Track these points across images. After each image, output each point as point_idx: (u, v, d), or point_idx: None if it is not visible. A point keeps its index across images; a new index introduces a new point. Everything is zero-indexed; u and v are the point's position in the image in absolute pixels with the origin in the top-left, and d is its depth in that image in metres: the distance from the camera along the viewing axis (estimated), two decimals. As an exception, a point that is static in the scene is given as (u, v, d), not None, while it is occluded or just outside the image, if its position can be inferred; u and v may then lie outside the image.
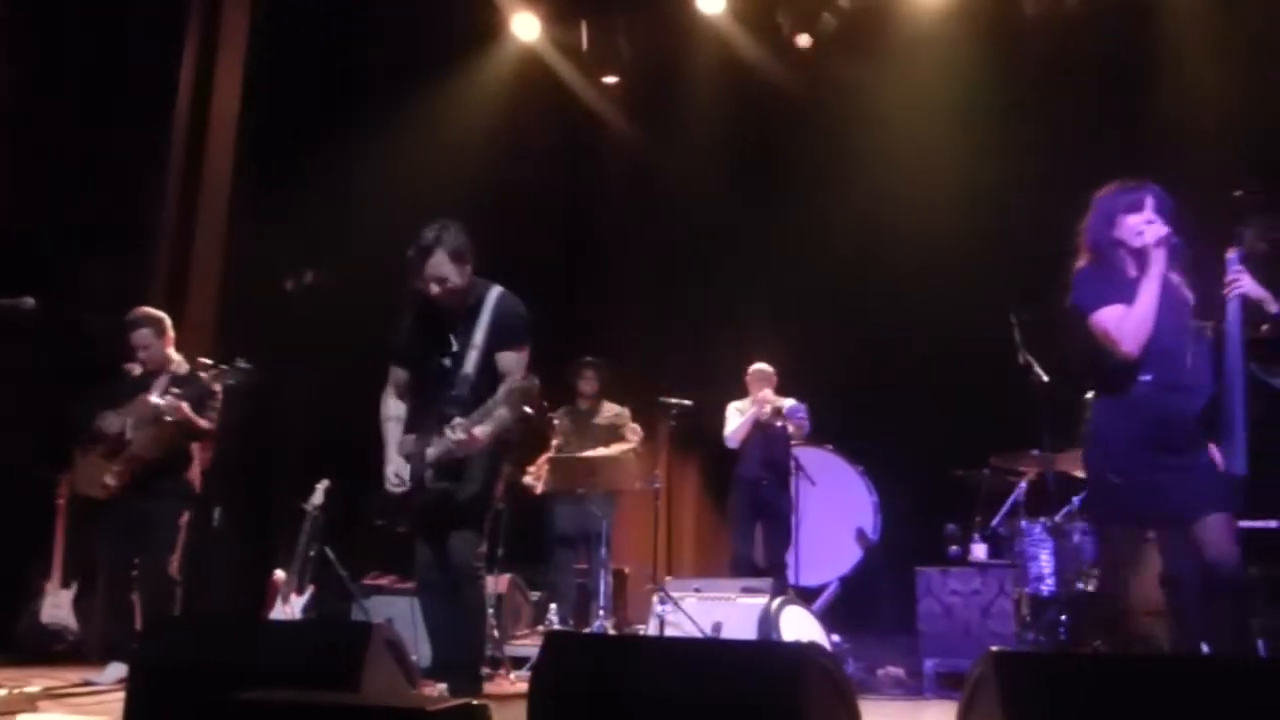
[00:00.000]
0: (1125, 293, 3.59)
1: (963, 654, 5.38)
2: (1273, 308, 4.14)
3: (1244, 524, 4.17)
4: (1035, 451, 5.90)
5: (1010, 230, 7.06)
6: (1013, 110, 7.22)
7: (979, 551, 6.08)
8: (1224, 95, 6.72)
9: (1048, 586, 5.92)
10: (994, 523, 6.28)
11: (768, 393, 6.59)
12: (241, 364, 5.10)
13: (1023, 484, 6.21)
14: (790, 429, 6.58)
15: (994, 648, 2.60)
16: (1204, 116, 6.76)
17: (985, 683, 2.58)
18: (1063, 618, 5.61)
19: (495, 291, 4.18)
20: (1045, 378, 5.70)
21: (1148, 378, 3.62)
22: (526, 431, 4.32)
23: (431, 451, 4.02)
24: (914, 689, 5.44)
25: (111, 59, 6.53)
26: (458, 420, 3.91)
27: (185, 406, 5.05)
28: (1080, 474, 6.09)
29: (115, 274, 6.29)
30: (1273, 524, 4.10)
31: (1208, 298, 4.33)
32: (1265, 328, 4.11)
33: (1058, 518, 5.99)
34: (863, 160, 7.58)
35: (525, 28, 7.70)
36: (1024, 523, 6.08)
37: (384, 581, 6.29)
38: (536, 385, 3.97)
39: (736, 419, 6.69)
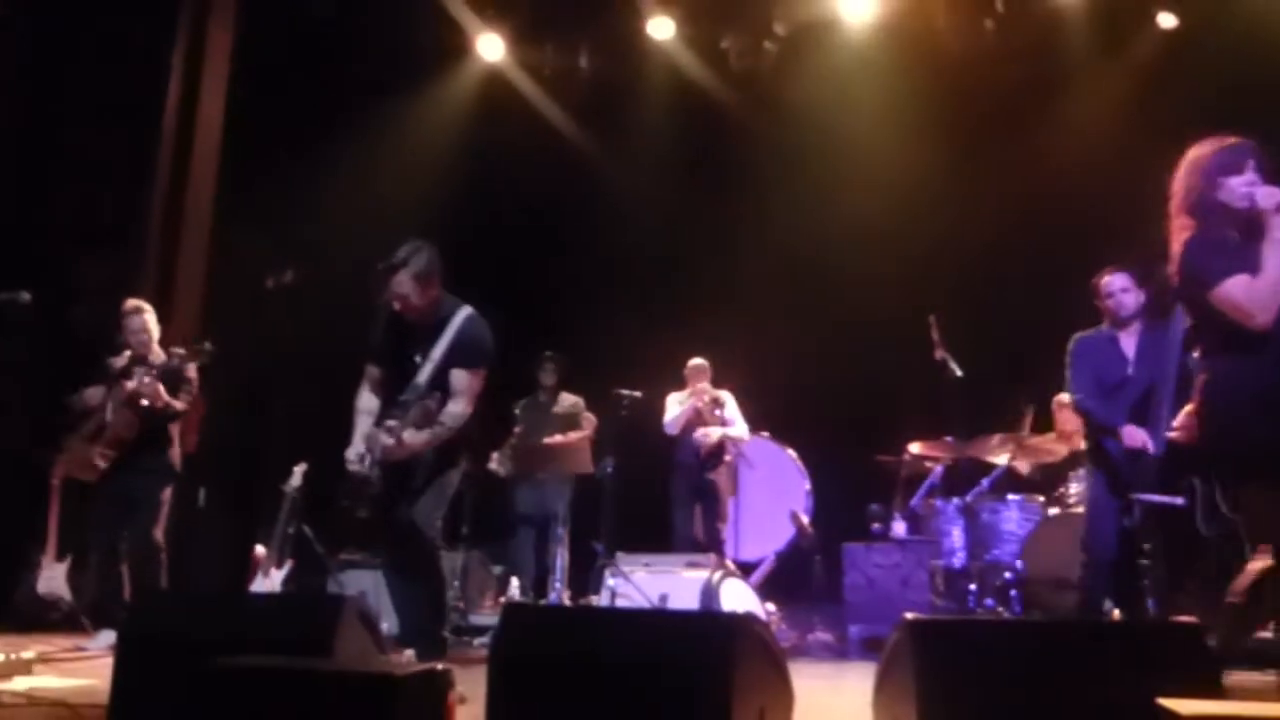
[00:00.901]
0: (1239, 260, 3.09)
1: (884, 621, 5.46)
2: None
3: (1157, 499, 4.25)
4: (950, 439, 6.00)
5: (930, 238, 7.17)
6: (933, 129, 7.31)
7: (899, 529, 6.18)
8: (1118, 116, 6.87)
9: (959, 560, 6.03)
10: (913, 503, 6.39)
11: (705, 385, 6.61)
12: (206, 345, 5.08)
13: (939, 468, 6.32)
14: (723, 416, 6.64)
15: (909, 615, 2.65)
16: (1099, 139, 6.91)
17: (901, 646, 2.63)
18: (971, 587, 5.71)
19: (464, 313, 4.13)
20: (959, 373, 5.79)
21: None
22: (470, 441, 4.28)
23: (376, 449, 4.00)
24: (840, 652, 5.52)
25: (105, 68, 6.40)
26: (390, 424, 3.90)
27: (161, 389, 5.03)
28: (989, 459, 6.22)
29: (106, 272, 6.18)
30: (1180, 500, 4.19)
31: (1160, 295, 4.42)
32: None
33: (969, 498, 6.10)
34: (800, 171, 7.65)
35: (490, 48, 7.65)
36: (939, 502, 6.19)
37: (356, 557, 6.25)
38: (432, 408, 3.91)
39: (675, 409, 6.71)
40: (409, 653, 3.86)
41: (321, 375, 5.89)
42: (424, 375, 4.03)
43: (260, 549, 5.80)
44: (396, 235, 4.21)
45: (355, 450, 4.07)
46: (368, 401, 4.24)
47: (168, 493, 5.31)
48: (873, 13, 7.12)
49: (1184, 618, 2.57)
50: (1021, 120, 7.28)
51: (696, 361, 6.76)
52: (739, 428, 6.65)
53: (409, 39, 7.20)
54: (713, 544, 6.32)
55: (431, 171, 7.43)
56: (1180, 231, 3.23)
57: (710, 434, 6.46)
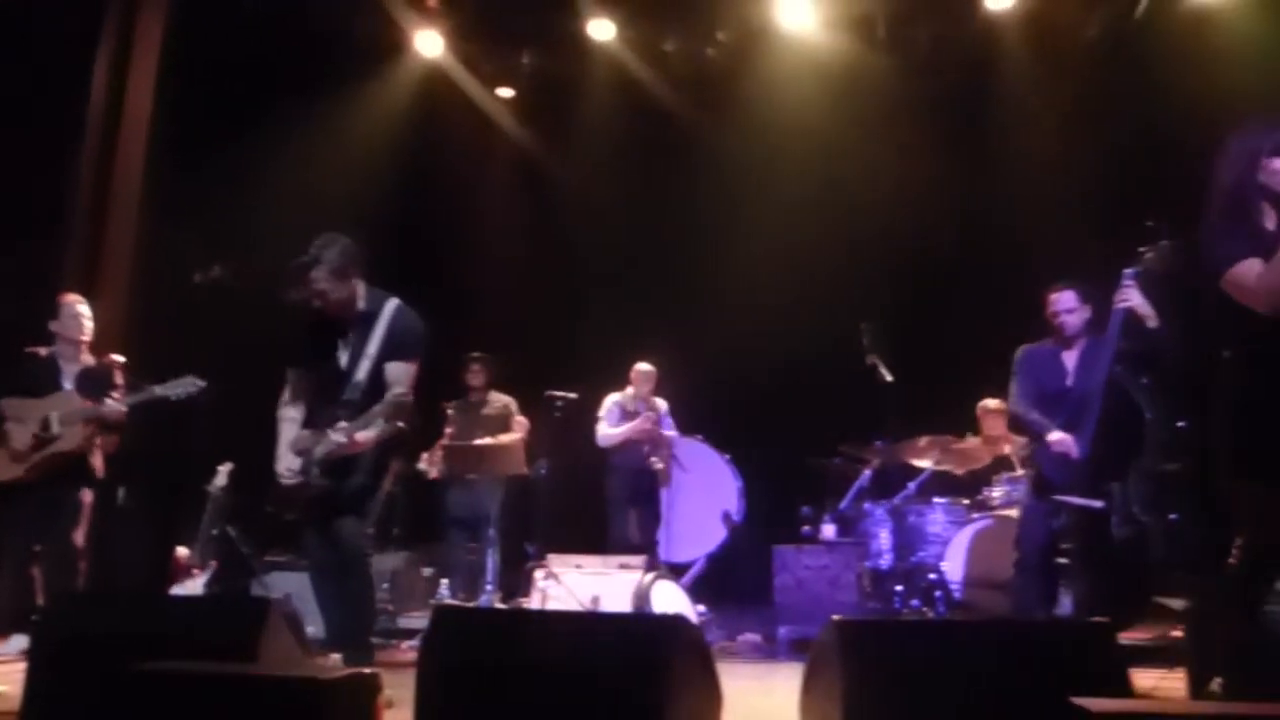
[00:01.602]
0: (1264, 246, 2.94)
1: (813, 621, 5.54)
2: (1152, 324, 4.38)
3: (1077, 501, 4.39)
4: (879, 443, 6.11)
5: (863, 245, 7.29)
6: (870, 137, 7.43)
7: (829, 531, 6.27)
8: (1053, 128, 7.07)
9: (886, 561, 6.14)
10: (842, 505, 6.49)
11: (649, 416, 6.58)
12: (191, 379, 4.94)
13: (868, 471, 6.43)
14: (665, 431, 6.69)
15: (836, 616, 2.70)
16: (1035, 149, 7.11)
17: (828, 646, 2.69)
18: (898, 588, 5.82)
19: (392, 304, 4.09)
20: (889, 378, 5.90)
21: None
22: (413, 428, 4.24)
23: (319, 450, 3.95)
24: (769, 653, 5.58)
25: (30, 57, 6.20)
26: (341, 424, 3.86)
27: (123, 409, 4.93)
28: (916, 462, 6.36)
29: (26, 266, 5.98)
30: (1100, 504, 4.34)
31: (1102, 308, 4.54)
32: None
33: (897, 500, 6.22)
34: (739, 176, 7.72)
35: (428, 44, 7.58)
36: (868, 505, 6.30)
37: (283, 558, 6.14)
38: (410, 402, 3.91)
39: (616, 416, 6.70)
40: (336, 656, 3.81)
41: (250, 373, 5.77)
42: (362, 372, 3.99)
43: (183, 550, 5.67)
44: (329, 231, 4.15)
45: (286, 463, 4.01)
46: (290, 408, 4.17)
47: (89, 495, 5.16)
48: (813, 22, 7.21)
49: (1097, 618, 2.66)
50: (958, 128, 7.45)
51: (644, 367, 6.76)
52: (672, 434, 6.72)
53: (346, 33, 7.10)
54: (648, 546, 6.34)
55: (367, 168, 7.34)
56: (1213, 216, 3.11)
57: (659, 463, 6.51)
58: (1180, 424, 4.52)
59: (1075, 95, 7.17)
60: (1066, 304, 4.81)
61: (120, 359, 5.02)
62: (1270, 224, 3.00)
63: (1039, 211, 7.05)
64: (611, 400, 6.79)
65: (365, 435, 3.88)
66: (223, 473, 5.81)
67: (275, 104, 7.01)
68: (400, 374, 3.99)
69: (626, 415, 6.68)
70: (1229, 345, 3.13)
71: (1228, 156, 3.09)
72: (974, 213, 7.30)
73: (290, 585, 5.72)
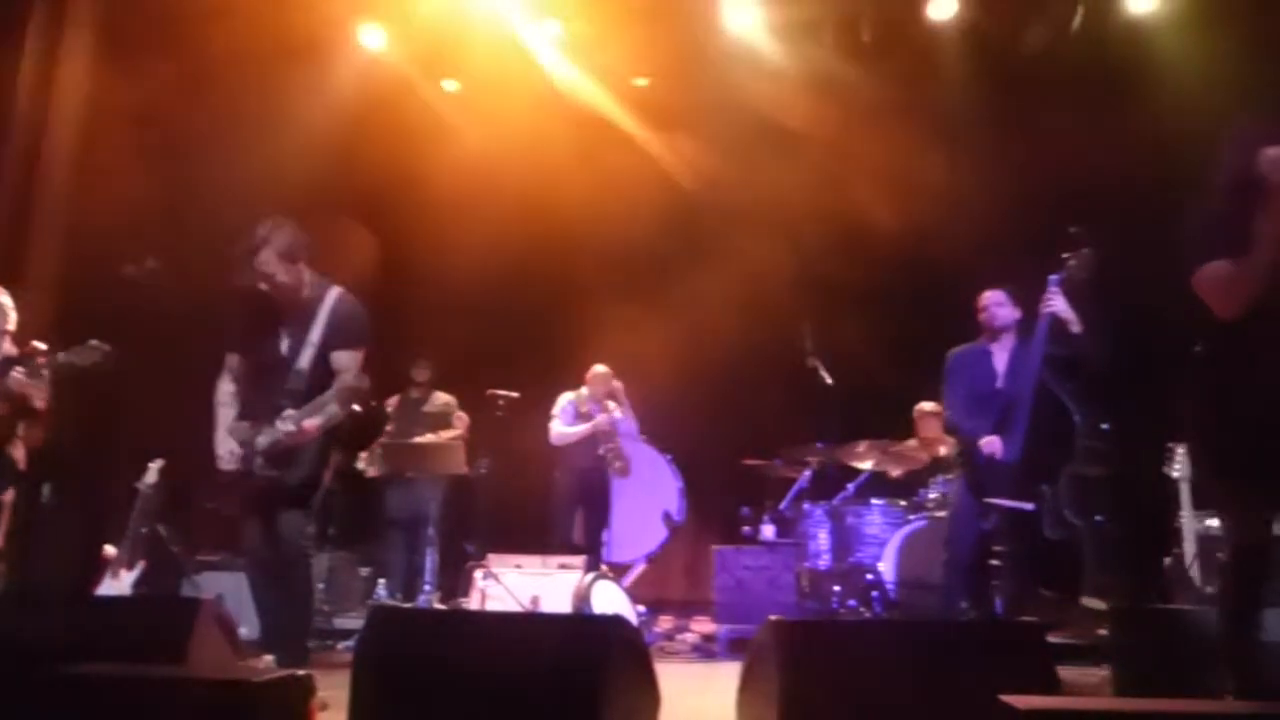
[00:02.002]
0: (1237, 245, 2.89)
1: (752, 621, 5.58)
2: (1075, 329, 4.49)
3: (1008, 503, 4.48)
4: (819, 444, 6.18)
5: (805, 247, 7.36)
6: (808, 143, 7.50)
7: (768, 531, 6.33)
8: (991, 133, 7.21)
9: (824, 562, 6.22)
10: (782, 506, 6.55)
11: (609, 417, 6.58)
12: (94, 343, 4.77)
13: (807, 472, 6.50)
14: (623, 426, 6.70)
15: (773, 616, 2.73)
16: (974, 155, 7.24)
17: (765, 646, 2.72)
18: (835, 588, 5.90)
19: (335, 292, 4.04)
20: (829, 380, 5.98)
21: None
22: (358, 422, 4.18)
23: (262, 440, 3.88)
24: (708, 653, 5.61)
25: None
26: (289, 412, 3.80)
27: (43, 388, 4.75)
28: (855, 464, 6.45)
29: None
30: (1030, 506, 4.45)
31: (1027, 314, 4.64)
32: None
33: (836, 501, 6.30)
34: (682, 175, 7.74)
35: (371, 37, 7.48)
36: (807, 506, 6.37)
37: (215, 557, 6.02)
38: (366, 386, 3.88)
39: (570, 415, 6.68)
40: (269, 658, 3.74)
41: (182, 367, 5.66)
42: (305, 359, 3.92)
43: (110, 549, 5.53)
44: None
45: (226, 447, 3.93)
46: (227, 394, 4.10)
47: (9, 494, 5.00)
48: (759, 26, 7.26)
49: (1026, 618, 2.72)
50: (899, 136, 7.55)
51: (600, 369, 6.74)
52: (632, 424, 6.74)
53: (286, 23, 6.97)
54: (593, 547, 6.34)
55: (307, 159, 7.21)
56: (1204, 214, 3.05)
57: (624, 469, 6.51)
58: (1104, 427, 4.65)
59: (1014, 105, 7.32)
60: (996, 299, 4.96)
61: (43, 346, 4.86)
62: (1247, 224, 2.89)
63: (976, 219, 7.19)
64: (566, 399, 6.76)
65: (314, 423, 3.83)
66: (153, 469, 5.67)
67: (209, 93, 6.87)
68: (348, 362, 3.94)
69: (579, 416, 6.67)
70: (1201, 341, 3.09)
71: (1231, 152, 3.01)
72: (912, 219, 7.42)
73: (223, 585, 5.62)
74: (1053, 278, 4.51)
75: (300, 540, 3.90)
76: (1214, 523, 4.42)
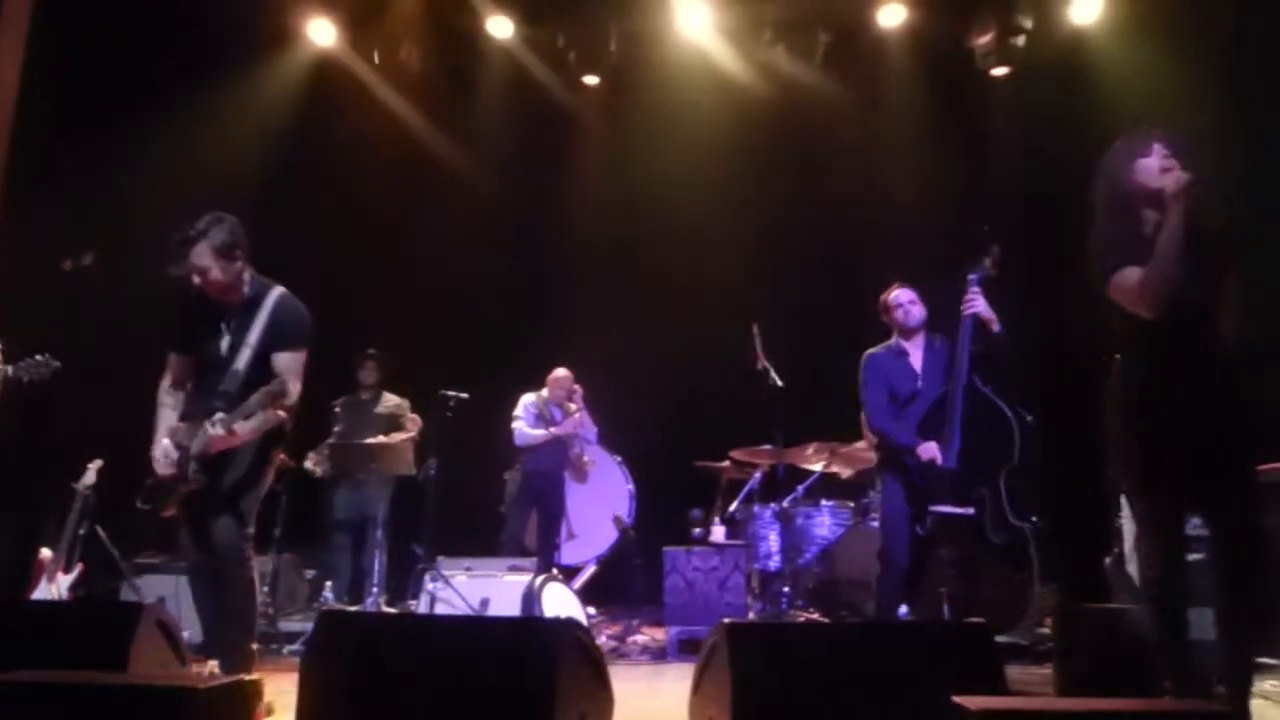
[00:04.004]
0: (1137, 252, 3.03)
1: (702, 622, 5.60)
2: (996, 328, 4.54)
3: (947, 509, 4.52)
4: (769, 446, 6.20)
5: (755, 250, 7.40)
6: (760, 145, 7.55)
7: (718, 533, 6.35)
8: (928, 141, 7.33)
9: (774, 563, 6.24)
10: (732, 508, 6.57)
11: (574, 419, 6.56)
12: (44, 358, 4.61)
13: (758, 474, 6.53)
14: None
15: (725, 619, 2.74)
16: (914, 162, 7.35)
17: (718, 648, 2.72)
18: (785, 589, 5.93)
19: (276, 292, 3.96)
20: (779, 382, 6.00)
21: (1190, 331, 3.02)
22: (296, 420, 4.09)
23: (196, 445, 3.79)
24: (659, 654, 5.61)
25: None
26: (219, 416, 3.71)
27: None
28: (805, 465, 6.49)
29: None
30: (970, 511, 4.50)
31: (949, 316, 4.68)
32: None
33: (785, 503, 6.32)
34: (632, 177, 7.73)
35: (321, 33, 7.36)
36: (757, 508, 6.39)
37: (156, 560, 5.88)
38: (288, 390, 3.76)
39: (532, 417, 6.65)
40: (213, 664, 3.66)
41: (122, 365, 5.53)
42: (242, 360, 3.84)
43: (46, 552, 5.37)
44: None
45: (162, 448, 3.84)
46: (170, 394, 4.01)
47: None
48: (707, 26, 7.28)
49: (974, 619, 2.76)
50: (850, 139, 7.63)
51: (560, 372, 6.72)
52: (591, 430, 6.74)
53: (235, 15, 6.83)
54: (546, 550, 6.31)
55: (254, 155, 7.08)
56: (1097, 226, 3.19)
57: (591, 464, 6.49)
58: (1029, 419, 4.68)
59: (961, 112, 7.45)
60: (908, 296, 4.98)
61: None
62: (1150, 228, 3.06)
63: (923, 221, 7.30)
64: (527, 400, 6.74)
65: (244, 428, 3.74)
66: (91, 470, 5.54)
67: (157, 86, 6.72)
68: (289, 364, 3.85)
69: (541, 418, 6.64)
70: (1120, 349, 3.19)
71: (1107, 167, 3.19)
72: (862, 221, 7.51)
73: (164, 588, 5.50)
74: (973, 276, 4.54)
75: (238, 543, 3.78)
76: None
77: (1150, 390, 3.07)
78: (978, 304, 4.48)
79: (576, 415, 6.59)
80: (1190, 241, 2.99)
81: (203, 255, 3.79)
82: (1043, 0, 7.04)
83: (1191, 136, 3.17)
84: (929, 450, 4.62)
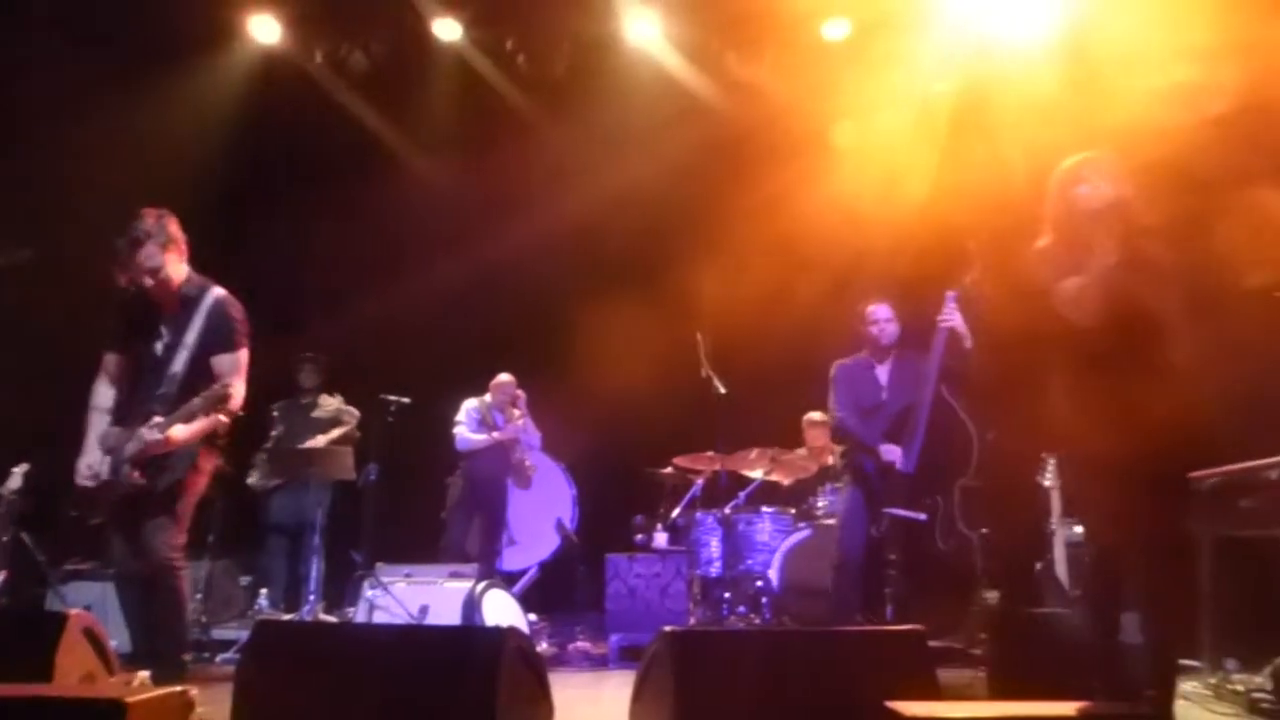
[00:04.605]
0: (1071, 266, 3.23)
1: (644, 629, 5.59)
2: (967, 344, 4.67)
3: (901, 512, 4.62)
4: (711, 453, 6.25)
5: (699, 258, 7.42)
6: (709, 148, 7.56)
7: (661, 540, 6.37)
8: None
9: (715, 569, 6.28)
10: (674, 514, 6.60)
11: (517, 424, 6.53)
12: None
13: (700, 481, 6.57)
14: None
15: (667, 627, 2.75)
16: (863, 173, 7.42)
17: (660, 655, 2.73)
18: (726, 595, 5.97)
19: (214, 293, 3.90)
20: (722, 390, 6.05)
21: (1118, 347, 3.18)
22: (236, 426, 4.02)
23: (131, 447, 3.71)
24: (600, 661, 5.60)
25: None
26: (156, 420, 3.65)
27: None
28: (747, 472, 6.55)
29: None
30: (922, 516, 4.60)
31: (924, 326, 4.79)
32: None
33: (727, 509, 6.37)
34: (581, 187, 7.71)
35: (263, 30, 7.22)
36: (699, 514, 6.43)
37: (84, 566, 5.73)
38: (231, 393, 3.69)
39: (475, 420, 6.60)
40: (144, 674, 3.57)
41: (50, 366, 5.39)
42: (180, 362, 3.77)
43: (-33, 559, 5.21)
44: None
45: (88, 460, 3.75)
46: (103, 397, 3.92)
47: None
48: (658, 34, 7.29)
49: (910, 625, 2.81)
50: (792, 146, 7.69)
51: (503, 378, 6.68)
52: (534, 436, 6.71)
53: (170, 12, 6.69)
54: (487, 556, 6.27)
55: (192, 154, 6.93)
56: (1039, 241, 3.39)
57: (533, 469, 6.45)
58: (988, 437, 4.83)
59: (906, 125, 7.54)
60: (885, 314, 5.11)
61: None
62: (1085, 243, 3.23)
63: (860, 235, 7.39)
64: (469, 405, 6.69)
65: (182, 432, 3.68)
66: (17, 474, 5.40)
67: (91, 80, 6.55)
68: (229, 365, 3.80)
69: (483, 424, 6.60)
70: (1057, 359, 3.34)
71: (1052, 187, 3.38)
72: (806, 234, 7.57)
73: (92, 596, 5.36)
74: (950, 294, 4.69)
75: (169, 550, 3.70)
76: (1081, 529, 4.64)
77: (1085, 397, 3.18)
78: (954, 319, 4.60)
79: (520, 421, 6.57)
80: (1124, 257, 3.15)
81: (154, 255, 3.76)
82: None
83: (1126, 162, 3.34)
84: (890, 452, 4.75)
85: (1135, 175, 3.33)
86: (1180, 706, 3.82)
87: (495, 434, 6.49)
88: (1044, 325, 3.33)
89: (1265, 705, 3.77)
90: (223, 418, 3.78)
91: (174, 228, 3.82)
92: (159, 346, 3.83)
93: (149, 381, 3.78)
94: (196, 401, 3.65)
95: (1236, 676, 4.07)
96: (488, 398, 6.68)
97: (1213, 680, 4.16)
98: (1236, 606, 4.41)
